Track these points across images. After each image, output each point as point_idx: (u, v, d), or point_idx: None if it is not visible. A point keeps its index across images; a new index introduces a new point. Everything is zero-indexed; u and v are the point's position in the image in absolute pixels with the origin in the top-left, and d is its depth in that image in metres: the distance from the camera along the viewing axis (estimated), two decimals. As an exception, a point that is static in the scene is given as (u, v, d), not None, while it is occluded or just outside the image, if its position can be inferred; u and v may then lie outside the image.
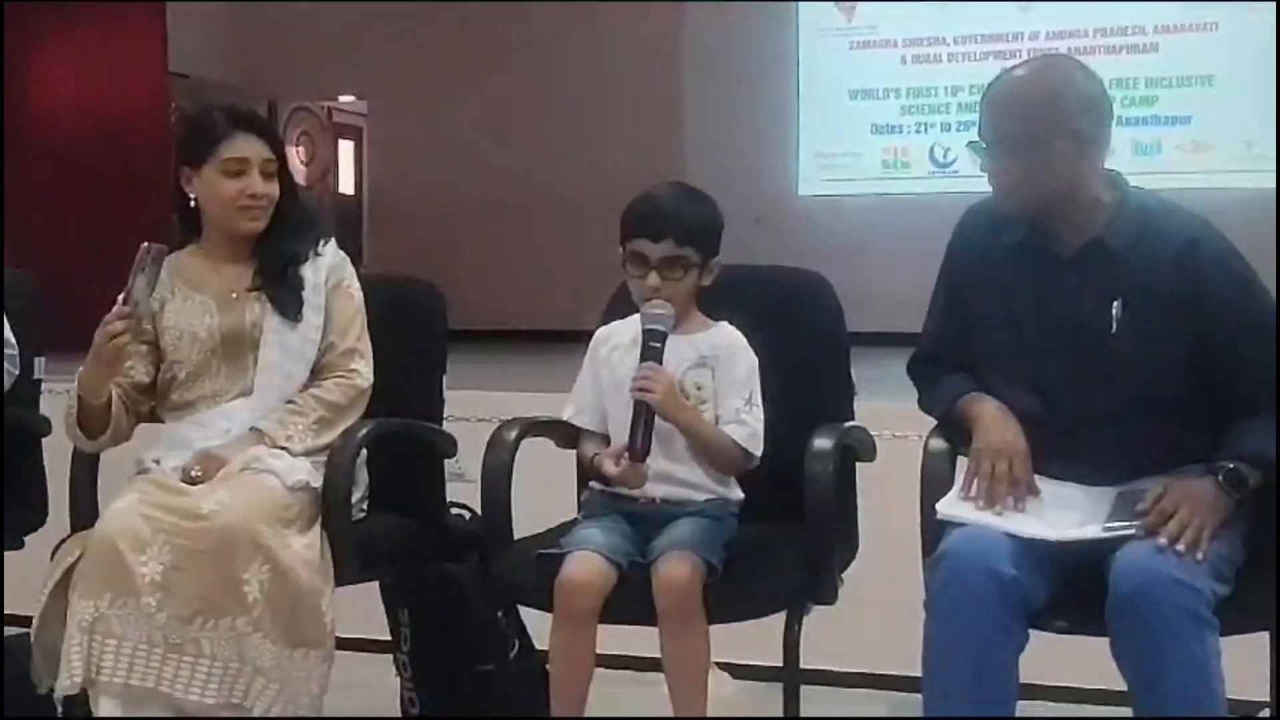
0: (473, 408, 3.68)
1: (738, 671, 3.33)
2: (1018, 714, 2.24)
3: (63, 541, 2.64)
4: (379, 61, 11.03)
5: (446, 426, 2.98)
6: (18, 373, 3.03)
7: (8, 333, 3.02)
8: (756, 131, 10.26)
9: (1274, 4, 9.12)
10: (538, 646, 2.80)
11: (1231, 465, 2.26)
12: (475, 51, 10.79)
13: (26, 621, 2.60)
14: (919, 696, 2.27)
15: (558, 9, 10.37)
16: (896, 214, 9.74)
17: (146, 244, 2.56)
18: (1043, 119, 2.36)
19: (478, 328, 10.20)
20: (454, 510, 3.02)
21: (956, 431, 2.47)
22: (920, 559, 2.36)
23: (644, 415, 2.42)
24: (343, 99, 12.11)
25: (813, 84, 10.30)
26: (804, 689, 2.55)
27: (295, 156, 12.00)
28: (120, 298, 2.55)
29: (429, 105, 11.01)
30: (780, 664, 2.50)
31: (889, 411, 3.24)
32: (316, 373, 2.75)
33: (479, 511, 2.71)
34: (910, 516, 2.43)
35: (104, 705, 2.42)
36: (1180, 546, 2.15)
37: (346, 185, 12.48)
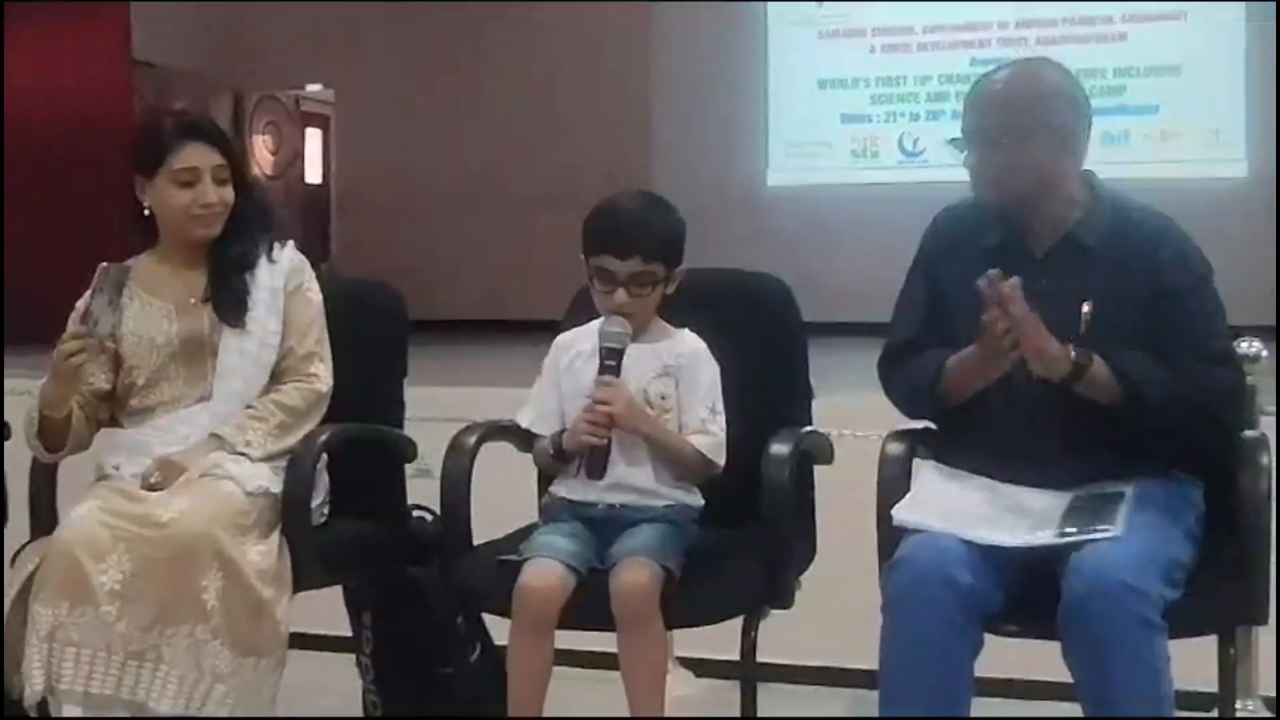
0: (435, 402, 3.68)
1: (700, 668, 3.38)
2: (973, 713, 2.27)
3: (22, 548, 2.65)
4: (346, 50, 11.03)
5: (409, 424, 2.97)
6: None
7: None
8: (725, 122, 10.30)
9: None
10: (498, 643, 2.81)
11: (1095, 356, 2.31)
12: (444, 41, 10.79)
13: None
14: (875, 694, 2.29)
15: (530, 3, 10.38)
16: (866, 203, 9.79)
17: (105, 265, 2.57)
18: (1024, 113, 2.42)
19: (442, 317, 10.22)
20: (416, 512, 3.02)
21: (937, 408, 2.49)
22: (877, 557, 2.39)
23: (600, 450, 2.46)
24: (310, 88, 12.09)
25: (782, 73, 10.37)
26: (763, 686, 2.59)
27: (262, 145, 11.99)
28: (77, 316, 2.56)
29: (397, 94, 11.00)
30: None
31: (852, 407, 3.24)
32: (276, 377, 2.75)
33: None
34: (870, 513, 2.45)
35: (67, 712, 2.43)
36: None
37: (314, 174, 12.47)
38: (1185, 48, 9.64)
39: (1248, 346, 3.24)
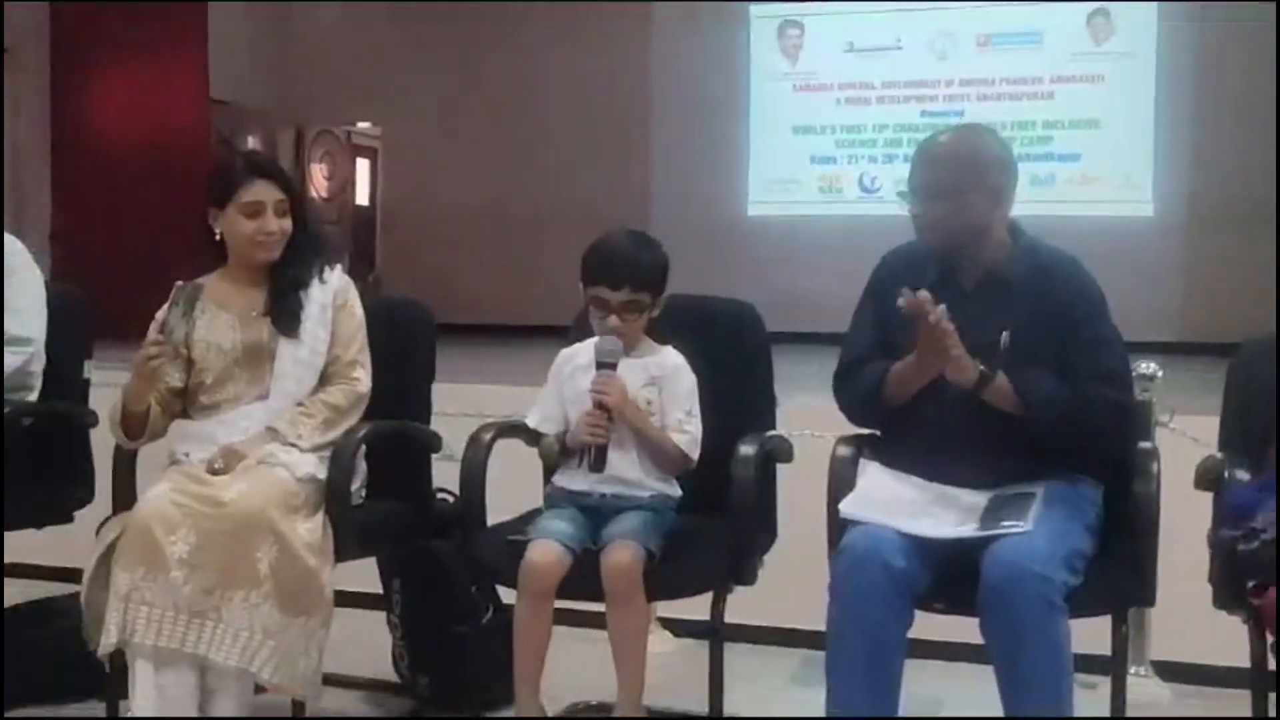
0: (460, 397, 3.65)
1: (677, 629, 3.39)
2: (906, 672, 2.28)
3: (106, 520, 2.66)
4: (391, 93, 11.02)
5: (436, 418, 2.97)
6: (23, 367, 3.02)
7: (20, 328, 3.00)
8: (712, 161, 10.29)
9: (1153, 58, 9.23)
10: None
11: (1000, 372, 2.33)
12: (474, 87, 10.78)
13: (77, 577, 2.62)
14: (823, 654, 2.30)
15: (547, 54, 10.39)
16: (830, 232, 9.78)
17: (181, 283, 2.58)
18: (964, 174, 2.43)
19: (467, 321, 10.21)
20: (439, 495, 3.02)
21: (882, 413, 2.50)
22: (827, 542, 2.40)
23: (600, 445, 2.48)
24: (360, 125, 12.07)
25: (761, 120, 10.35)
26: (730, 645, 2.59)
27: (319, 173, 11.96)
28: (156, 326, 2.57)
29: (433, 131, 11.01)
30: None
31: (816, 408, 3.18)
32: (324, 379, 2.75)
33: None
34: (823, 500, 2.47)
35: (139, 664, 2.45)
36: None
37: (363, 198, 12.44)
38: (1104, 105, 9.63)
39: (1145, 367, 3.27)
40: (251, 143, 10.98)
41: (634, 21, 10.24)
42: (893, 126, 10.05)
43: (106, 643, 2.44)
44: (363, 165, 12.41)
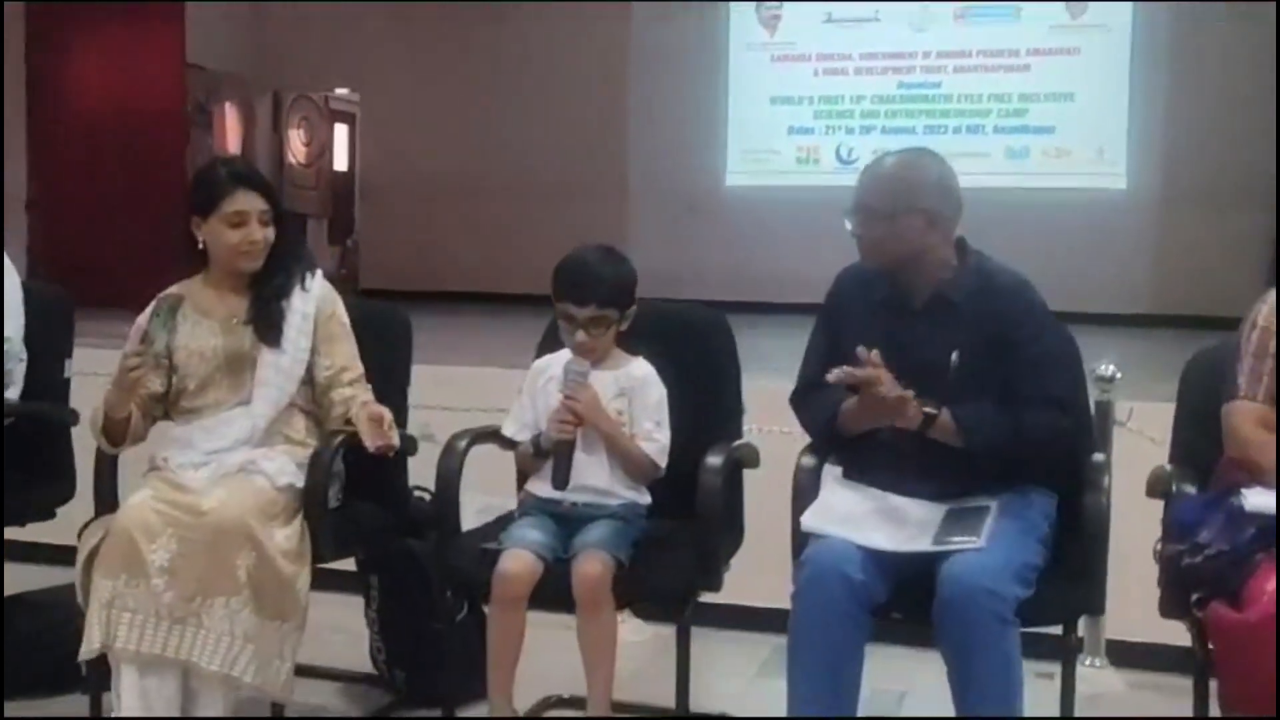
0: (436, 382, 3.69)
1: (648, 615, 3.40)
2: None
3: (88, 524, 2.69)
4: (368, 58, 10.96)
5: (414, 411, 3.00)
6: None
7: (8, 328, 3.03)
8: (690, 131, 10.29)
9: (1128, 31, 9.26)
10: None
11: (945, 410, 2.40)
12: (452, 52, 10.75)
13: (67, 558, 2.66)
14: (785, 639, 2.37)
15: (525, 19, 10.34)
16: (807, 203, 9.79)
17: (162, 294, 2.62)
18: (896, 197, 2.47)
19: (443, 288, 10.25)
20: (416, 492, 3.08)
21: (836, 441, 2.56)
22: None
23: (564, 455, 2.53)
24: (338, 90, 12.02)
25: (739, 91, 10.34)
26: (699, 631, 2.68)
27: (296, 138, 11.92)
28: (137, 334, 2.61)
29: (410, 96, 10.98)
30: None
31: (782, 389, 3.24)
32: (325, 390, 2.77)
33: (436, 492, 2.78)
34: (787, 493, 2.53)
35: (123, 668, 2.50)
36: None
37: (341, 163, 12.41)
38: (1079, 79, 9.66)
39: (1104, 369, 3.35)
40: (228, 108, 10.93)
41: (613, -10, 10.21)
42: (870, 98, 10.06)
43: (89, 648, 2.49)
44: (341, 131, 12.37)
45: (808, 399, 2.61)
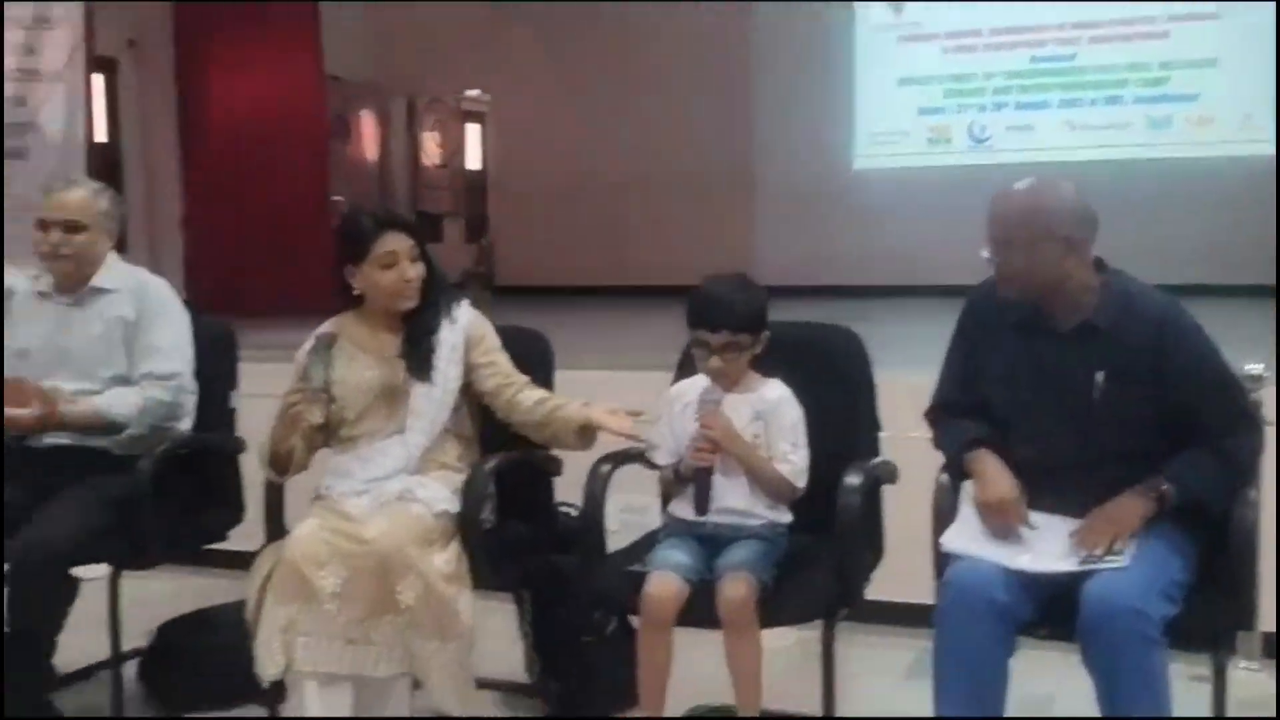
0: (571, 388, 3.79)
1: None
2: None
3: (261, 550, 2.84)
4: (498, 60, 11.16)
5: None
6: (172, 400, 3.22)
7: (166, 365, 3.21)
8: (817, 115, 10.23)
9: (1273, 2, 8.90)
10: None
11: (1161, 485, 2.39)
12: (577, 50, 10.88)
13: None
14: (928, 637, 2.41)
15: (648, 14, 10.40)
16: (939, 183, 9.70)
17: (318, 332, 2.77)
18: (1031, 227, 2.45)
19: (581, 283, 10.40)
20: (562, 509, 3.20)
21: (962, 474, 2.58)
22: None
23: (704, 482, 2.60)
24: (469, 92, 12.24)
25: (866, 73, 10.23)
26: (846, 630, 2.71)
27: (430, 140, 12.18)
28: (298, 371, 2.77)
29: (539, 95, 11.15)
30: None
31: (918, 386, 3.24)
32: (501, 393, 2.91)
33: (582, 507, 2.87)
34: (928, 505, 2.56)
35: (304, 684, 2.65)
36: (1099, 551, 2.34)
37: (474, 162, 12.65)
38: (1221, 44, 9.33)
39: (1251, 368, 3.28)
40: (364, 116, 11.23)
41: (735, -22, 10.20)
42: (1002, 74, 9.87)
43: (270, 671, 2.65)
44: (473, 130, 12.59)
45: (942, 420, 2.63)
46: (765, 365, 2.76)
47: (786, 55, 10.19)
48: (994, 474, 2.48)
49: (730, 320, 2.64)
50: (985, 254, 2.50)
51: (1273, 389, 3.33)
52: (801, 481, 2.67)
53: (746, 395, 2.70)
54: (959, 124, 10.04)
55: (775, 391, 2.71)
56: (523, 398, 2.91)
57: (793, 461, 2.66)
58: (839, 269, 9.65)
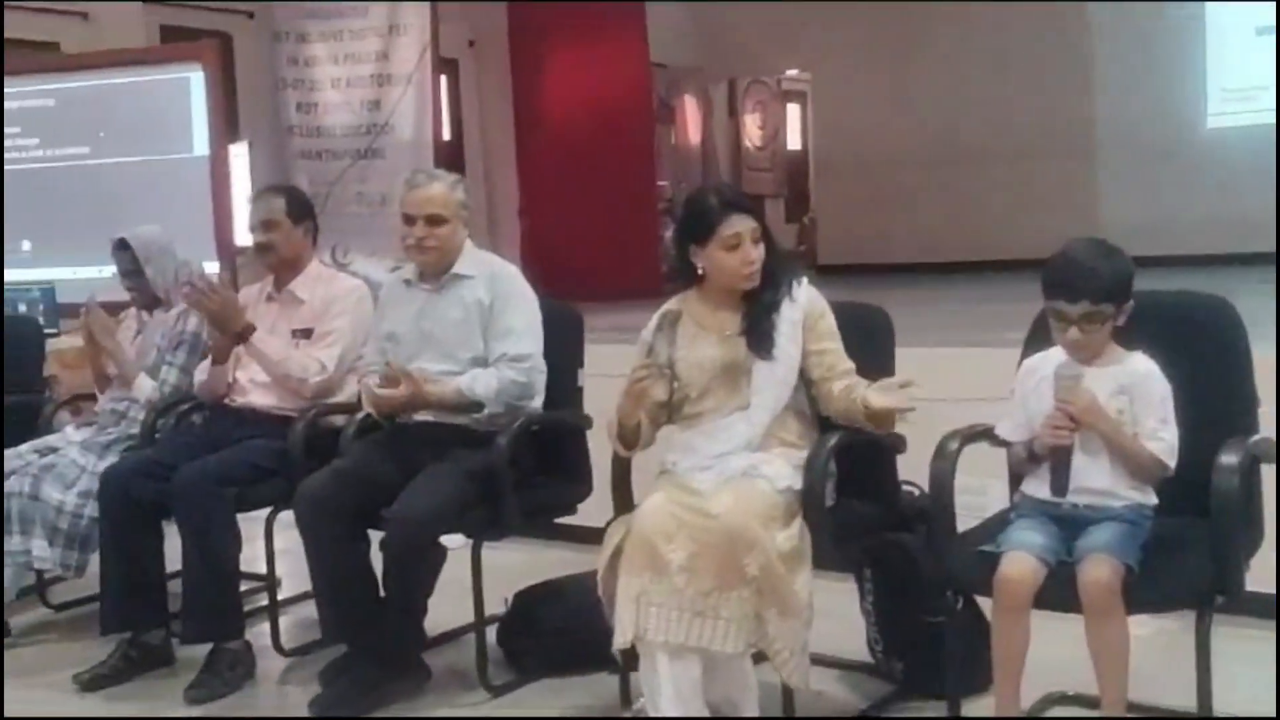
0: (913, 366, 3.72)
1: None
2: None
3: (610, 522, 2.94)
4: (819, 39, 11.09)
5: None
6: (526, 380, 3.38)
7: (518, 347, 3.37)
8: (1165, 71, 9.63)
9: None
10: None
11: None
12: (898, 27, 10.65)
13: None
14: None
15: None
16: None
17: (662, 310, 2.84)
18: None
19: (909, 260, 10.21)
20: (905, 487, 3.15)
21: None
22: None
23: (1063, 461, 2.48)
24: (789, 73, 12.25)
25: (1218, 25, 9.50)
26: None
27: (751, 122, 12.29)
28: (643, 349, 2.86)
29: (861, 72, 11.01)
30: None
31: None
32: (823, 382, 2.90)
33: (924, 488, 2.83)
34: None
35: (656, 656, 2.72)
36: None
37: (794, 143, 12.65)
38: None
39: None
40: (687, 100, 11.44)
41: (1070, -65, 9.69)
42: (1380, 16, 8.90)
43: (623, 640, 2.74)
44: (793, 110, 12.61)
45: None
46: (1124, 337, 2.61)
47: (1131, 9, 9.59)
48: None
49: (1092, 289, 2.51)
50: None
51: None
52: (1172, 460, 2.52)
53: (1108, 369, 2.56)
54: (1328, 73, 9.13)
55: (1141, 364, 2.57)
56: (831, 387, 2.88)
57: (1164, 439, 2.51)
58: (1188, 235, 9.03)
